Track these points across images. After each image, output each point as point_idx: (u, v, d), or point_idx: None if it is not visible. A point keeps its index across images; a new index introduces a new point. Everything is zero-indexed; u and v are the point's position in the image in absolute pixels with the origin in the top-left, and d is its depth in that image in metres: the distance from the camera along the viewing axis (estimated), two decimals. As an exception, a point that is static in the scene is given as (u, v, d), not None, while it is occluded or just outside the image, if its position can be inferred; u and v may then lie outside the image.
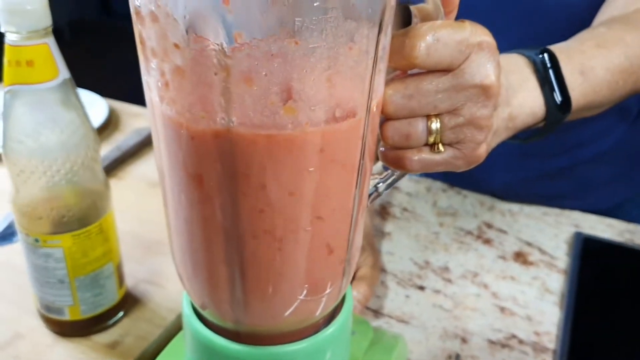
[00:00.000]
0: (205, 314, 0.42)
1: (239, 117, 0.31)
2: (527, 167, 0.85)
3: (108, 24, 3.93)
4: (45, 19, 0.49)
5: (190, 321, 0.43)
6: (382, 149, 0.43)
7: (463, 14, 0.40)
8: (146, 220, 0.77)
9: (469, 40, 0.38)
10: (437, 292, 0.71)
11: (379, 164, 0.44)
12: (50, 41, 0.50)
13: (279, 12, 0.29)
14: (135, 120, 1.05)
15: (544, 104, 0.49)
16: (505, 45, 0.47)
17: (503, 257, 0.76)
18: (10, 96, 0.50)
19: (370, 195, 0.44)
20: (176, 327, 0.62)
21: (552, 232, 0.81)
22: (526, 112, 0.48)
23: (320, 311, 0.41)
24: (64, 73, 0.51)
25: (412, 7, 0.39)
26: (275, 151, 0.32)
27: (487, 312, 0.68)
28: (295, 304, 0.40)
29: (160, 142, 0.36)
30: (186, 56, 0.30)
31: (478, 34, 0.39)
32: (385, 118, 0.41)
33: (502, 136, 0.47)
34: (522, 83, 0.49)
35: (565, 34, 0.58)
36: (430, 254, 0.77)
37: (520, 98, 0.48)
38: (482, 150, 0.42)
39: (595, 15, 0.69)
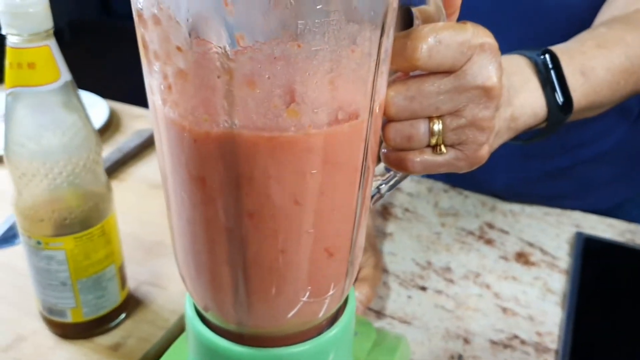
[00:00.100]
0: (208, 315, 0.42)
1: (241, 120, 0.31)
2: (528, 168, 0.85)
3: (108, 24, 3.93)
4: (46, 21, 0.49)
5: (193, 323, 0.43)
6: (384, 150, 0.43)
7: (463, 15, 0.40)
8: (148, 221, 0.77)
9: (470, 41, 0.38)
10: (439, 292, 0.71)
11: (381, 166, 0.44)
12: (52, 43, 0.50)
13: (281, 15, 0.29)
14: (136, 121, 1.05)
15: (545, 105, 0.49)
16: (505, 46, 0.47)
17: (505, 258, 0.76)
18: (12, 99, 0.50)
19: (372, 196, 0.44)
20: (178, 329, 0.62)
21: (554, 232, 0.81)
22: (528, 113, 0.48)
23: (323, 313, 0.41)
24: (66, 75, 0.51)
25: (414, 9, 0.39)
26: (278, 154, 0.32)
27: (489, 313, 0.68)
28: (299, 305, 0.40)
29: (162, 144, 0.36)
30: (189, 59, 0.30)
31: (480, 36, 0.39)
32: (387, 120, 0.41)
33: (504, 137, 0.47)
34: (523, 84, 0.49)
35: (565, 35, 0.58)
36: (432, 255, 0.77)
37: (522, 99, 0.48)
38: (485, 152, 0.42)
39: (595, 15, 0.69)
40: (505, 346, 0.64)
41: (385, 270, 0.73)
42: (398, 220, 0.83)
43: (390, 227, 0.82)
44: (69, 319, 0.59)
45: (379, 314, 0.68)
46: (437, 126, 0.41)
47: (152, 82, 0.34)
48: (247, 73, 0.30)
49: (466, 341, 0.64)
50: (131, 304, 0.64)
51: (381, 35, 0.33)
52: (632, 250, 0.78)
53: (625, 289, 0.72)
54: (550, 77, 0.50)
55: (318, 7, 0.29)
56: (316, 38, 0.30)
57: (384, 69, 0.36)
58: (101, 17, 4.16)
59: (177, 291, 0.66)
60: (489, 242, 0.79)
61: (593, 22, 0.68)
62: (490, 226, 0.82)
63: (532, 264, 0.76)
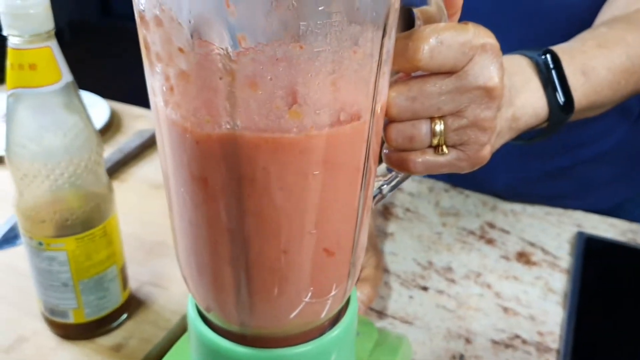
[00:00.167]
0: (210, 316, 0.42)
1: (244, 122, 0.31)
2: (529, 167, 0.85)
3: (108, 25, 3.93)
4: (47, 22, 0.49)
5: (195, 324, 0.43)
6: (385, 151, 0.43)
7: (464, 15, 0.40)
8: (149, 222, 0.77)
9: (472, 42, 0.38)
10: (441, 292, 0.71)
11: (383, 166, 0.44)
12: (53, 44, 0.50)
13: (283, 17, 0.29)
14: (137, 122, 1.05)
15: (546, 105, 0.49)
16: (506, 46, 0.47)
17: (506, 257, 0.77)
18: (13, 100, 0.50)
19: (374, 197, 0.44)
20: (180, 329, 0.62)
21: (555, 232, 0.81)
22: (529, 113, 0.48)
23: (325, 313, 0.41)
24: (67, 76, 0.51)
25: (415, 10, 0.39)
26: (280, 155, 0.32)
27: (491, 312, 0.68)
28: (301, 306, 0.40)
29: (164, 145, 0.36)
30: (191, 60, 0.30)
31: (481, 36, 0.39)
32: (389, 120, 0.41)
33: (506, 137, 0.47)
34: (525, 84, 0.49)
35: (566, 35, 0.58)
36: (433, 255, 0.77)
37: (523, 99, 0.48)
38: (486, 152, 0.42)
39: (595, 15, 0.69)
40: (507, 346, 0.64)
41: (386, 270, 0.73)
42: (399, 220, 0.83)
43: (392, 227, 0.82)
44: (71, 319, 0.59)
45: (381, 314, 0.68)
46: (439, 127, 0.41)
47: (154, 83, 0.34)
48: (249, 74, 0.30)
49: (468, 341, 0.64)
50: (133, 304, 0.64)
51: (383, 36, 0.33)
52: (633, 250, 0.78)
53: (627, 289, 0.72)
54: (552, 77, 0.50)
55: (320, 8, 0.29)
56: (318, 39, 0.30)
57: (386, 69, 0.36)
58: (101, 18, 4.16)
59: (179, 292, 0.66)
60: (490, 241, 0.79)
61: (593, 22, 0.68)
62: (491, 226, 0.82)
63: (533, 263, 0.76)
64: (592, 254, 0.76)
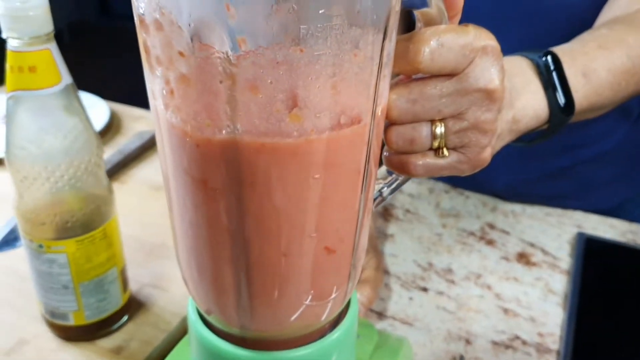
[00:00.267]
0: (210, 319, 0.42)
1: (244, 125, 0.31)
2: (529, 168, 0.85)
3: (107, 25, 3.93)
4: (47, 24, 0.49)
5: (196, 327, 0.43)
6: (386, 153, 0.43)
7: (464, 16, 0.40)
8: (149, 223, 0.77)
9: (472, 44, 0.38)
10: (441, 293, 0.71)
11: (383, 168, 0.44)
12: (53, 47, 0.50)
13: (283, 20, 0.29)
14: (137, 123, 1.05)
15: (547, 107, 0.49)
16: (507, 47, 0.47)
17: (506, 258, 0.76)
18: (13, 102, 0.50)
19: (374, 199, 0.44)
20: (180, 332, 0.62)
21: (555, 232, 0.81)
22: (530, 115, 0.48)
23: (326, 316, 0.41)
24: (67, 78, 0.51)
25: (416, 12, 0.39)
26: (280, 158, 0.32)
27: (491, 314, 0.68)
28: (301, 308, 0.40)
29: (165, 148, 0.36)
30: (191, 64, 0.30)
31: (482, 38, 0.39)
32: (390, 123, 0.41)
33: (506, 139, 0.47)
34: (525, 86, 0.49)
35: (566, 35, 0.58)
36: (434, 256, 0.77)
37: (524, 101, 0.48)
38: (487, 154, 0.42)
39: (596, 15, 0.69)
40: (507, 347, 0.64)
41: (386, 272, 0.73)
42: (399, 221, 0.83)
43: (392, 228, 0.82)
44: (71, 322, 0.59)
45: (381, 315, 0.67)
46: (440, 129, 0.40)
47: (154, 87, 0.33)
48: (250, 78, 0.30)
49: (468, 342, 0.64)
50: (133, 306, 0.64)
51: (384, 39, 0.32)
52: (633, 250, 0.78)
53: (627, 289, 0.72)
54: (552, 78, 0.50)
55: (320, 11, 0.29)
56: (319, 42, 0.30)
57: (387, 72, 0.36)
58: (100, 18, 4.15)
59: (179, 293, 0.66)
60: (490, 242, 0.79)
61: (594, 22, 0.68)
62: (492, 227, 0.82)
63: (534, 264, 0.76)
64: (592, 255, 0.76)
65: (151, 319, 0.63)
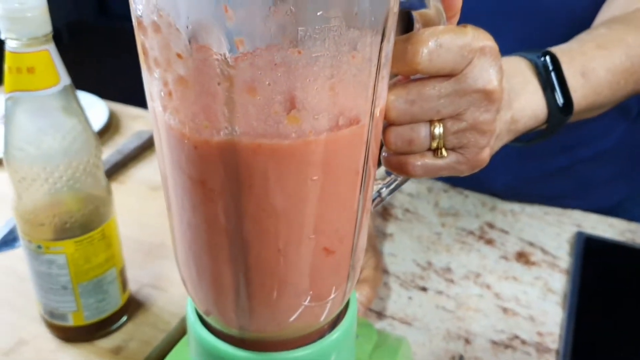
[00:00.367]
0: (209, 320, 0.42)
1: (242, 127, 0.31)
2: (528, 167, 0.85)
3: (106, 25, 3.93)
4: (45, 25, 0.49)
5: (195, 327, 0.43)
6: (384, 154, 0.43)
7: (463, 14, 0.40)
8: (148, 224, 0.77)
9: (471, 45, 0.38)
10: (440, 293, 0.71)
11: (382, 169, 0.44)
12: (51, 47, 0.50)
13: (281, 22, 0.29)
14: (136, 122, 1.05)
15: (545, 107, 0.49)
16: (505, 46, 0.47)
17: (505, 258, 0.77)
18: (12, 103, 0.50)
19: (373, 200, 0.44)
20: (180, 332, 0.62)
21: (554, 231, 0.81)
22: (528, 115, 0.48)
23: (325, 316, 0.41)
24: (65, 79, 0.51)
25: (414, 13, 0.39)
26: (279, 160, 0.32)
27: (490, 313, 0.68)
28: (300, 309, 0.40)
29: (163, 149, 0.36)
30: (189, 66, 0.30)
31: (480, 39, 0.39)
32: (388, 123, 0.41)
33: (505, 139, 0.47)
34: (524, 86, 0.49)
35: (565, 35, 0.58)
36: (433, 255, 0.77)
37: (523, 101, 0.48)
38: (485, 155, 0.42)
39: (594, 15, 0.69)
40: (506, 346, 0.64)
41: (385, 271, 0.73)
42: (398, 220, 0.83)
43: (391, 227, 0.82)
44: (70, 322, 0.59)
45: (380, 315, 0.68)
46: (438, 130, 0.40)
47: (152, 88, 0.33)
48: (248, 80, 0.30)
49: (467, 342, 0.64)
50: (132, 306, 0.64)
51: (382, 41, 0.32)
52: (632, 249, 0.78)
53: (626, 289, 0.72)
54: (551, 79, 0.50)
55: (318, 13, 0.29)
56: (317, 44, 0.30)
57: (385, 73, 0.36)
58: (99, 18, 4.15)
59: (178, 294, 0.66)
60: (489, 242, 0.79)
61: (593, 22, 0.68)
62: (491, 226, 0.82)
63: (533, 263, 0.76)
64: (591, 254, 0.76)
65: (150, 319, 0.63)
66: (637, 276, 0.74)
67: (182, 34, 0.30)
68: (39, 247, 0.55)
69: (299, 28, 0.29)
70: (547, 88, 0.49)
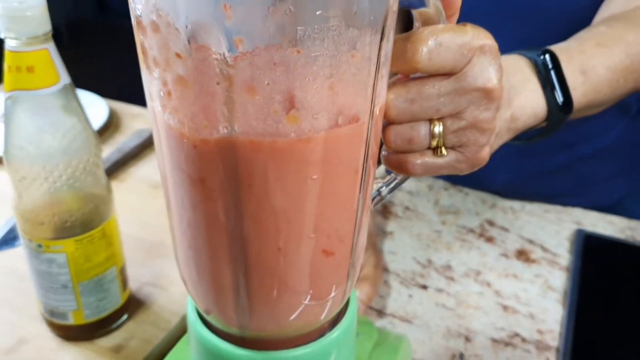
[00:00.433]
0: (209, 319, 0.42)
1: (241, 126, 0.31)
2: (527, 165, 0.85)
3: (106, 23, 3.92)
4: (45, 24, 0.49)
5: (195, 326, 0.43)
6: (384, 152, 0.43)
7: (463, 13, 0.40)
8: (148, 222, 0.77)
9: (470, 43, 0.38)
10: (440, 291, 0.71)
11: (382, 168, 0.44)
12: (51, 47, 0.50)
13: (280, 21, 0.29)
14: (136, 121, 1.05)
15: (545, 105, 0.49)
16: (505, 45, 0.47)
17: (505, 255, 0.77)
18: (11, 102, 0.50)
19: (373, 198, 0.44)
20: (180, 330, 0.62)
21: (554, 229, 0.81)
22: (528, 113, 0.48)
23: (325, 315, 0.41)
24: (65, 78, 0.51)
25: (414, 11, 0.39)
26: (278, 159, 0.32)
27: (490, 311, 0.68)
28: (300, 308, 0.40)
29: (162, 148, 0.36)
30: (188, 66, 0.30)
31: (480, 37, 0.39)
32: (388, 122, 0.41)
33: (505, 138, 0.47)
34: (523, 84, 0.49)
35: (564, 34, 0.58)
36: (433, 253, 0.77)
37: (522, 99, 0.48)
38: (485, 153, 0.42)
39: (594, 13, 0.69)
40: (507, 344, 0.64)
41: (386, 269, 0.74)
42: (398, 218, 0.83)
43: (391, 225, 0.82)
44: (71, 321, 0.59)
45: (380, 313, 0.68)
46: (438, 128, 0.40)
47: (152, 88, 0.33)
48: (247, 79, 0.30)
49: (467, 339, 0.64)
50: (133, 305, 0.64)
51: (381, 40, 0.32)
52: (632, 247, 0.78)
53: (626, 286, 0.72)
54: (550, 77, 0.50)
55: (317, 13, 0.29)
56: (316, 44, 0.30)
57: (384, 72, 0.36)
58: (99, 15, 4.14)
59: (179, 292, 0.66)
60: (489, 239, 0.79)
61: (592, 20, 0.68)
62: (491, 224, 0.82)
63: (533, 261, 0.76)
64: (591, 252, 0.76)
65: (151, 318, 0.63)
66: (637, 273, 0.74)
67: (181, 34, 0.30)
68: (39, 246, 0.55)
69: (298, 27, 0.29)
70: (546, 86, 0.49)
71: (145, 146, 0.95)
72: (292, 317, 0.40)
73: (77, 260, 0.56)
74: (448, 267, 0.74)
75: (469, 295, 0.70)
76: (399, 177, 0.44)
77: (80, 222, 0.55)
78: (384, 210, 0.84)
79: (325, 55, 0.30)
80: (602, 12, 0.67)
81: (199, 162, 0.34)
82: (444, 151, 0.41)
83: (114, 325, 0.61)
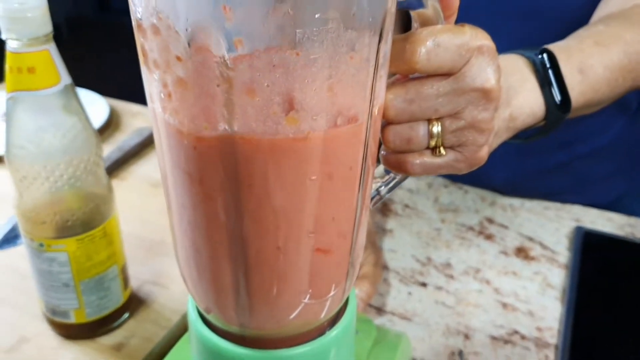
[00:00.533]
0: (210, 317, 0.42)
1: (241, 128, 0.31)
2: (527, 163, 0.86)
3: (106, 20, 3.92)
4: (45, 25, 0.49)
5: (196, 325, 0.43)
6: (383, 152, 0.43)
7: (461, 13, 0.41)
8: (149, 220, 0.78)
9: (469, 44, 0.38)
10: (440, 288, 0.71)
11: (381, 167, 0.45)
12: (51, 47, 0.50)
13: (279, 24, 0.29)
14: (136, 119, 1.05)
15: (543, 104, 0.49)
16: (503, 44, 0.48)
17: (505, 253, 0.77)
18: (13, 103, 0.51)
19: (372, 198, 0.44)
20: (181, 328, 0.62)
21: (553, 226, 0.82)
22: (526, 113, 0.48)
23: (324, 314, 0.42)
24: (65, 79, 0.51)
25: (412, 12, 0.39)
26: (277, 160, 0.32)
27: (490, 308, 0.68)
28: (300, 307, 0.40)
29: (163, 149, 0.36)
30: (188, 68, 0.31)
31: (478, 38, 0.39)
32: (387, 122, 0.41)
33: (503, 137, 0.48)
34: (522, 84, 0.49)
35: (563, 32, 0.58)
36: (432, 251, 0.77)
37: (521, 99, 0.48)
38: (484, 153, 0.42)
39: (592, 12, 0.69)
40: (506, 342, 0.64)
41: (385, 267, 0.74)
42: (398, 216, 0.83)
43: (390, 223, 0.82)
44: (72, 319, 0.59)
45: (380, 310, 0.68)
46: (436, 128, 0.41)
47: (152, 90, 0.34)
48: (247, 81, 0.30)
49: (467, 337, 0.64)
50: (134, 303, 0.64)
51: (379, 41, 0.33)
52: (631, 244, 0.78)
53: (625, 283, 0.72)
54: (548, 76, 0.50)
55: (316, 15, 0.29)
56: (314, 46, 0.30)
57: (383, 73, 0.36)
58: (99, 13, 4.14)
59: (180, 290, 0.66)
60: (489, 237, 0.80)
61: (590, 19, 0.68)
62: (490, 221, 0.82)
63: (532, 258, 0.76)
64: (590, 249, 0.76)
65: (152, 316, 0.63)
66: (636, 270, 0.74)
67: (182, 37, 0.30)
68: (41, 245, 0.55)
69: (297, 30, 0.29)
70: (544, 85, 0.49)
71: (146, 144, 0.95)
72: (291, 316, 0.40)
73: (78, 259, 0.56)
74: (448, 265, 0.75)
75: (468, 292, 0.70)
76: (398, 177, 0.45)
77: (81, 222, 0.55)
78: (384, 208, 0.85)
79: (324, 57, 0.30)
80: (600, 11, 0.68)
81: (199, 163, 0.34)
82: (442, 151, 0.42)
83: (115, 324, 0.62)
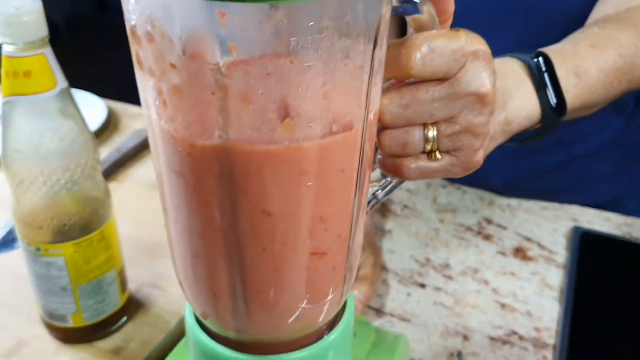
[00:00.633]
0: (207, 323, 0.42)
1: (236, 135, 0.31)
2: (524, 163, 0.86)
3: (104, 21, 3.91)
4: (41, 29, 0.49)
5: (193, 331, 0.43)
6: (379, 156, 0.43)
7: (458, 15, 0.41)
8: (147, 223, 0.78)
9: (464, 49, 0.38)
10: (438, 289, 0.71)
11: (377, 171, 0.45)
12: (47, 51, 0.50)
13: (273, 32, 0.29)
14: (134, 121, 1.05)
15: (539, 107, 0.49)
16: (500, 46, 0.48)
17: (503, 253, 0.77)
18: (9, 107, 0.51)
19: (369, 202, 0.45)
20: (179, 332, 0.62)
21: (551, 226, 0.82)
22: (522, 116, 0.48)
23: (322, 318, 0.42)
24: (62, 82, 0.51)
25: (408, 18, 0.39)
26: (273, 167, 0.32)
27: (488, 309, 0.68)
28: (297, 312, 0.40)
29: (159, 154, 0.36)
30: (183, 76, 0.31)
31: (473, 43, 0.39)
32: (382, 127, 0.41)
33: (499, 140, 0.48)
34: (517, 87, 0.49)
35: (560, 34, 0.58)
36: (431, 251, 0.77)
37: (516, 102, 0.48)
38: (479, 157, 0.43)
39: (589, 14, 0.69)
40: (504, 342, 0.64)
41: (384, 268, 0.74)
42: (397, 217, 0.83)
43: (389, 224, 0.82)
44: (70, 323, 0.59)
45: (379, 311, 0.68)
46: (432, 133, 0.41)
47: (148, 96, 0.34)
48: (241, 89, 0.30)
49: (465, 338, 0.65)
50: (132, 306, 0.64)
51: (374, 48, 0.33)
52: (629, 243, 0.78)
53: (623, 283, 0.72)
54: (544, 79, 0.50)
55: (310, 24, 0.29)
56: (309, 53, 0.30)
57: (378, 79, 0.36)
58: (97, 13, 4.13)
59: (178, 292, 0.66)
60: (487, 237, 0.80)
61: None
62: (489, 221, 0.83)
63: (530, 258, 0.76)
64: (588, 248, 0.76)
65: (150, 319, 0.63)
66: (633, 270, 0.74)
67: (176, 44, 0.30)
68: (38, 249, 0.55)
69: (291, 38, 0.29)
70: (540, 89, 0.49)
71: (144, 146, 0.95)
72: (289, 321, 0.40)
73: (75, 263, 0.56)
74: (446, 266, 0.75)
75: (466, 293, 0.71)
76: (395, 181, 0.45)
77: (78, 226, 0.55)
78: (383, 208, 0.85)
79: (318, 65, 0.30)
80: (596, 13, 0.68)
81: (194, 169, 0.34)
82: (438, 155, 0.42)
83: (113, 327, 0.62)
